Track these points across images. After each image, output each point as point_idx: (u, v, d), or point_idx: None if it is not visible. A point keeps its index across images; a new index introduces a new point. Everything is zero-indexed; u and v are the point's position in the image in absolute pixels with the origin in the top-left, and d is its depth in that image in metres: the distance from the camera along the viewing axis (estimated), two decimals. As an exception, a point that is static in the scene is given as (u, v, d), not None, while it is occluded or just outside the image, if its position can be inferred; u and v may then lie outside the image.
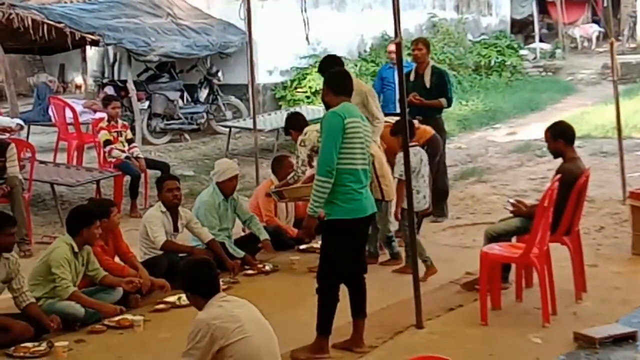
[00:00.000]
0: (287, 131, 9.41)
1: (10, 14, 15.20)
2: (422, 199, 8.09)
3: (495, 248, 6.95)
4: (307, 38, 15.56)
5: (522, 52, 22.99)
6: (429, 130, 9.48)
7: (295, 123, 8.92)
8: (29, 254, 8.88)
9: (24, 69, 24.45)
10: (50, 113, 15.48)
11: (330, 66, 9.16)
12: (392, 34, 6.81)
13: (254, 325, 4.81)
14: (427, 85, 9.96)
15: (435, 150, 9.31)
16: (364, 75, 17.82)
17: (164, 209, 8.18)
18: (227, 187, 8.66)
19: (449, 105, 10.37)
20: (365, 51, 19.52)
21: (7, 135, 12.07)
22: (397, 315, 6.80)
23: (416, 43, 10.23)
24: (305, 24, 14.65)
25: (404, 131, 6.70)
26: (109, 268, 7.43)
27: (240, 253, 8.51)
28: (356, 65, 18.06)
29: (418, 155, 8.05)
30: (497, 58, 21.34)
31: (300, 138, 8.42)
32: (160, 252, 8.03)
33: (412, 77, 9.95)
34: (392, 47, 11.07)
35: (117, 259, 7.79)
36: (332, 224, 5.94)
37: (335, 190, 5.84)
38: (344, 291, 6.08)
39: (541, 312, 6.58)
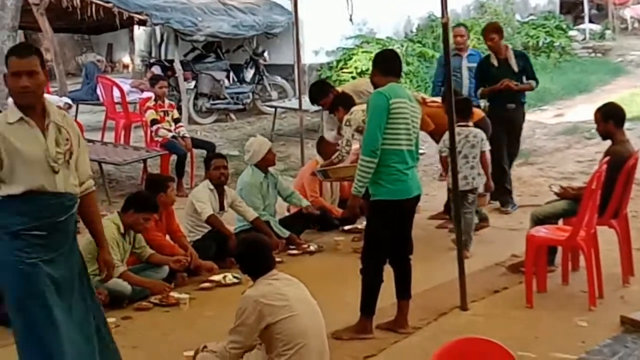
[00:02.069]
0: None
1: (60, -7, 15.33)
2: (462, 179, 8.02)
3: (542, 230, 6.90)
4: (350, 18, 15.50)
5: (571, 32, 22.67)
6: (479, 113, 9.42)
7: (344, 101, 8.89)
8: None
9: (73, 48, 24.70)
10: (98, 92, 15.64)
11: (319, 92, 9.21)
12: (439, 14, 6.75)
13: (302, 304, 4.83)
14: (515, 69, 9.54)
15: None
16: (410, 56, 17.72)
17: (211, 187, 8.24)
18: (267, 162, 8.70)
19: (536, 87, 10.04)
20: (411, 31, 19.40)
21: (56, 114, 12.20)
22: (442, 296, 6.78)
23: (486, 33, 9.75)
24: (348, 4, 14.61)
25: (450, 112, 6.68)
26: (159, 244, 7.49)
27: (285, 232, 8.55)
28: (402, 46, 17.95)
29: (462, 135, 8.01)
30: (546, 39, 21.06)
31: (345, 117, 8.42)
32: (206, 231, 8.07)
33: (495, 63, 9.55)
34: (460, 31, 10.76)
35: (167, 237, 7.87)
36: (376, 204, 5.93)
37: (380, 171, 5.82)
38: (389, 272, 6.07)
39: (587, 295, 6.52)
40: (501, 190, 9.46)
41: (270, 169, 8.85)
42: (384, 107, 5.78)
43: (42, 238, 4.20)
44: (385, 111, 5.78)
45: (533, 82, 9.70)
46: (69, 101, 13.67)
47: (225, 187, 8.39)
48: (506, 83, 9.31)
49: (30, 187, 4.15)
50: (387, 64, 6.07)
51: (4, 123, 4.19)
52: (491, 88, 9.45)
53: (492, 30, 9.69)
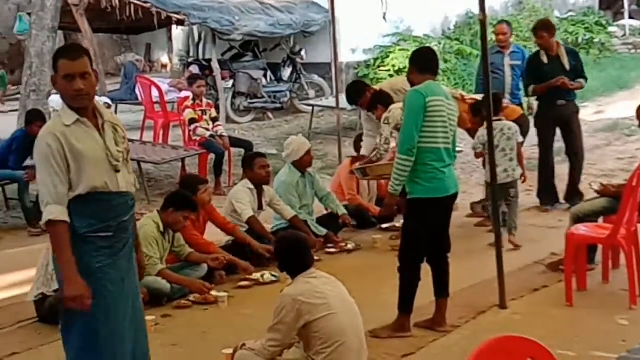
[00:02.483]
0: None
1: (99, -6, 15.47)
2: (502, 172, 8.10)
3: (582, 228, 6.84)
4: (384, 17, 15.48)
5: (611, 29, 22.41)
6: (518, 110, 9.39)
7: (382, 99, 8.88)
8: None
9: (112, 48, 24.92)
10: (137, 92, 15.76)
11: (356, 92, 9.21)
12: (477, 11, 6.73)
13: (340, 303, 4.83)
14: (567, 67, 9.38)
15: (522, 130, 9.18)
16: (448, 53, 17.64)
17: (250, 186, 8.26)
18: (304, 163, 8.70)
19: (585, 84, 9.87)
20: (449, 29, 19.32)
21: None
22: (481, 295, 6.75)
23: (536, 31, 9.59)
24: (383, 2, 14.58)
25: (488, 108, 6.66)
26: (197, 244, 7.53)
27: (323, 231, 8.56)
28: (440, 44, 17.89)
29: (497, 130, 8.02)
30: (585, 35, 20.86)
31: (384, 115, 8.42)
32: (244, 230, 8.10)
33: (545, 60, 9.41)
34: (503, 28, 10.65)
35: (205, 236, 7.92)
36: (414, 202, 5.92)
37: (417, 169, 5.81)
38: (427, 270, 6.06)
39: (628, 293, 6.45)
40: (547, 188, 9.42)
41: (309, 168, 8.85)
42: (421, 105, 5.77)
43: (108, 240, 4.16)
44: (422, 109, 5.76)
45: (583, 81, 9.56)
46: (108, 101, 13.78)
47: (264, 185, 8.41)
48: (562, 80, 9.19)
49: (95, 187, 4.11)
50: (424, 62, 6.05)
51: (62, 125, 4.13)
52: (546, 84, 9.30)
53: (542, 28, 9.55)
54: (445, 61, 17.17)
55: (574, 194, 9.40)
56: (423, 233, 5.91)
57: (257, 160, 8.38)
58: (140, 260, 4.59)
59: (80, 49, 4.32)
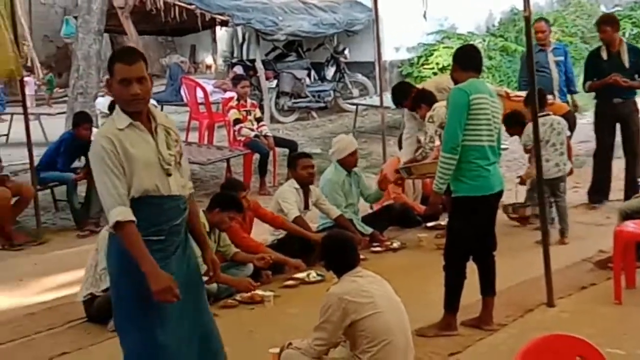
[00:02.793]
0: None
1: (144, -4, 15.62)
2: (554, 167, 8.09)
3: (630, 226, 6.76)
4: (424, 15, 15.40)
5: (658, 23, 22.11)
6: (565, 106, 9.32)
7: (425, 98, 8.87)
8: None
9: (157, 50, 25.16)
10: (182, 93, 15.89)
11: (402, 93, 9.18)
12: (521, 7, 6.67)
13: (386, 301, 4.83)
14: (626, 64, 9.22)
15: (569, 126, 9.11)
16: (492, 50, 17.54)
17: (296, 186, 8.28)
18: (348, 163, 8.69)
19: None
20: (493, 26, 19.19)
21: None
22: (528, 293, 6.71)
23: (600, 25, 9.41)
24: (423, 1, 14.53)
25: (533, 103, 6.62)
26: (244, 244, 7.56)
27: (368, 230, 8.56)
28: (484, 40, 17.78)
29: (547, 125, 8.04)
30: (632, 30, 20.59)
31: (428, 114, 8.41)
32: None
33: (604, 57, 9.29)
34: (542, 26, 10.53)
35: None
36: (458, 201, 5.90)
37: (461, 167, 5.79)
38: (473, 268, 6.03)
39: (678, 291, 6.38)
40: (600, 186, 9.34)
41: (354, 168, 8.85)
42: (464, 103, 5.74)
43: (160, 243, 4.14)
44: (466, 107, 5.74)
45: None
46: (154, 102, 13.88)
47: (310, 185, 8.42)
48: (614, 78, 9.07)
49: (146, 191, 4.10)
50: (467, 59, 6.02)
51: (115, 129, 4.11)
52: (601, 82, 9.21)
53: (605, 22, 9.40)
54: (490, 58, 17.07)
55: (631, 192, 9.28)
56: (468, 231, 5.89)
57: (300, 160, 8.39)
58: (211, 261, 4.52)
59: (136, 53, 4.28)
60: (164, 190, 4.14)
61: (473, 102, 5.74)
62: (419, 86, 9.64)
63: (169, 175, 4.16)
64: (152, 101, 13.18)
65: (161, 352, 4.18)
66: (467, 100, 5.74)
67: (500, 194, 6.07)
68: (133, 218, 4.03)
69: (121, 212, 4.02)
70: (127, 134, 4.10)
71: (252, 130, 11.57)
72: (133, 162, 4.07)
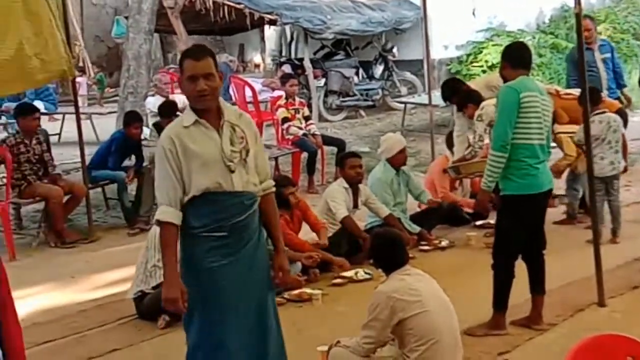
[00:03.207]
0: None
1: (193, -4, 15.75)
2: (608, 165, 8.00)
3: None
4: (473, 12, 15.32)
5: None
6: (616, 104, 9.21)
7: (472, 98, 8.83)
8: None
9: (206, 49, 25.28)
10: (231, 92, 15.97)
11: (451, 89, 9.11)
12: (572, 4, 6.60)
13: (434, 300, 4.81)
14: None
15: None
16: (542, 48, 17.38)
17: (346, 185, 8.27)
18: (397, 161, 8.66)
19: None
20: (543, 23, 19.03)
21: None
22: (578, 292, 6.65)
23: None
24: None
25: (584, 101, 6.55)
26: (292, 243, 7.56)
27: (416, 228, 8.53)
28: (534, 38, 17.64)
29: (604, 122, 7.99)
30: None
31: (477, 113, 8.36)
32: (338, 228, 8.12)
33: None
34: (587, 24, 10.32)
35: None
36: (507, 199, 5.86)
37: (510, 166, 5.75)
38: (523, 267, 5.99)
39: None
40: None
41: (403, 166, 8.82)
42: (515, 101, 5.71)
43: (222, 239, 4.17)
44: (516, 105, 5.70)
45: None
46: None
47: (360, 184, 8.42)
48: None
49: (208, 187, 4.13)
50: (517, 57, 5.97)
51: (180, 127, 4.18)
52: None
53: None
54: (540, 55, 16.93)
55: None
56: (517, 230, 5.85)
57: (349, 160, 8.38)
58: (279, 267, 4.49)
59: (205, 50, 4.31)
60: (226, 186, 4.16)
61: (523, 100, 5.70)
62: (470, 84, 9.57)
63: (232, 171, 4.16)
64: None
65: (220, 349, 4.21)
66: (518, 98, 5.70)
67: (549, 192, 6.02)
68: (173, 221, 4.13)
69: (164, 212, 4.14)
70: (191, 132, 4.15)
71: (300, 128, 11.60)
72: (193, 159, 4.12)
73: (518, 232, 5.86)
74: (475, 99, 8.74)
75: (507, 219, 5.88)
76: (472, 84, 9.66)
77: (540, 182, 5.84)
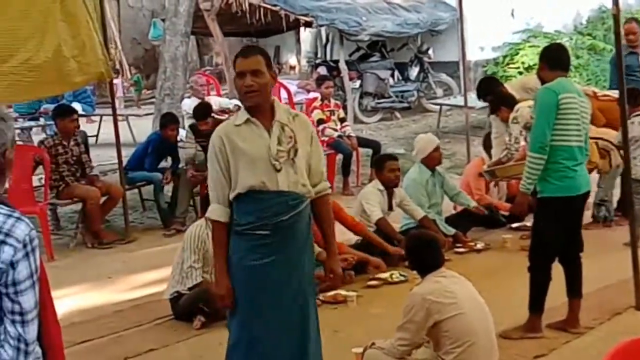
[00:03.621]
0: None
1: (229, -1, 15.82)
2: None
3: None
4: (512, 13, 15.23)
5: None
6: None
7: (505, 101, 8.78)
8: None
9: (242, 51, 25.40)
10: (266, 94, 15.98)
11: (488, 87, 9.03)
12: (610, 5, 6.55)
13: (470, 302, 4.80)
14: None
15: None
16: (580, 49, 17.25)
17: (381, 187, 8.26)
18: (432, 160, 8.64)
19: None
20: (581, 24, 18.88)
21: (226, 116, 12.59)
22: (616, 296, 6.58)
23: None
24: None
25: (622, 103, 6.50)
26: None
27: (451, 230, 8.50)
28: (571, 39, 17.50)
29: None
30: None
31: (512, 115, 8.32)
32: (373, 231, 8.11)
33: None
34: (633, 27, 10.15)
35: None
36: (544, 201, 5.82)
37: (547, 168, 5.71)
38: (559, 270, 5.95)
39: None
40: None
41: (438, 167, 8.79)
42: (553, 103, 5.67)
43: (266, 238, 4.19)
44: (554, 107, 5.66)
45: None
46: (239, 103, 14.03)
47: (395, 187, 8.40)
48: None
49: (253, 185, 4.16)
50: (555, 58, 5.93)
51: (231, 125, 4.26)
52: None
53: None
54: (577, 57, 16.80)
55: None
56: (553, 232, 5.81)
57: (388, 163, 8.35)
58: (330, 270, 4.50)
59: (255, 49, 4.39)
60: (271, 185, 4.17)
61: (562, 102, 5.66)
62: (507, 85, 9.51)
63: (278, 170, 4.17)
64: (237, 102, 13.40)
65: (256, 346, 4.24)
66: (556, 100, 5.66)
67: (586, 194, 5.98)
68: (220, 219, 4.23)
69: (213, 210, 4.26)
70: (241, 130, 4.21)
71: (336, 130, 11.61)
72: (240, 157, 4.17)
73: (555, 235, 5.82)
74: (508, 102, 8.70)
75: (545, 221, 5.84)
76: (508, 86, 9.60)
77: (578, 184, 5.80)
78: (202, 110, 10.18)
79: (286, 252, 4.24)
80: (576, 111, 5.73)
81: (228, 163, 4.19)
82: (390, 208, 8.35)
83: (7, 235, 2.57)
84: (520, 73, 16.73)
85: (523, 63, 16.77)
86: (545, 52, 6.08)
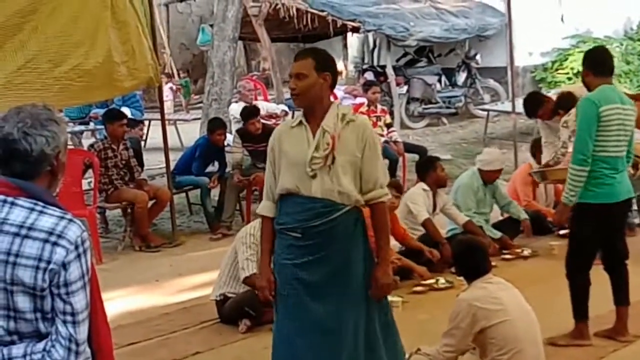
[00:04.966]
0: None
1: (277, 4, 15.90)
2: None
3: None
4: (562, 18, 15.08)
5: None
6: None
7: (564, 104, 8.69)
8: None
9: (289, 57, 25.43)
10: (313, 99, 16.02)
11: (535, 104, 8.90)
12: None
13: (516, 309, 4.78)
14: None
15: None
16: (630, 55, 17.05)
17: (426, 188, 8.25)
18: (488, 177, 8.61)
19: None
20: (631, 29, 18.65)
21: (273, 121, 12.64)
22: (665, 304, 6.49)
23: None
24: (560, 4, 14.26)
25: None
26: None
27: (497, 234, 8.45)
28: (622, 45, 17.31)
29: None
30: None
31: (563, 119, 8.24)
32: (420, 234, 8.09)
33: None
34: None
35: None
36: (582, 207, 5.78)
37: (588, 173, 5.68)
38: (606, 278, 5.89)
39: None
40: None
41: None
42: (594, 114, 5.62)
43: (297, 240, 4.22)
44: (595, 119, 5.61)
45: None
46: (286, 108, 14.11)
47: (439, 189, 8.38)
48: None
49: (288, 188, 4.22)
50: (598, 63, 5.87)
51: (287, 126, 4.40)
52: None
53: None
54: (628, 63, 16.62)
55: None
56: (591, 239, 5.79)
57: (438, 163, 8.45)
58: (377, 280, 4.29)
59: (309, 51, 4.48)
60: (304, 191, 4.20)
61: (603, 114, 5.61)
62: (568, 89, 9.37)
63: (313, 177, 4.18)
64: (284, 107, 13.44)
65: (287, 345, 4.29)
66: (597, 112, 5.61)
67: (626, 202, 5.89)
68: (268, 214, 4.38)
69: (263, 206, 4.42)
70: (292, 132, 4.30)
71: (382, 136, 11.59)
72: (283, 159, 4.27)
73: (591, 241, 5.79)
74: (565, 104, 8.56)
75: (581, 227, 5.82)
76: (572, 88, 9.49)
77: (617, 191, 5.73)
78: (250, 110, 10.26)
79: (321, 256, 4.22)
80: (618, 122, 5.67)
81: (275, 162, 4.31)
82: (435, 209, 8.32)
83: (59, 237, 2.62)
84: (569, 79, 16.57)
85: (572, 69, 16.61)
86: (589, 57, 6.00)
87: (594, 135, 5.62)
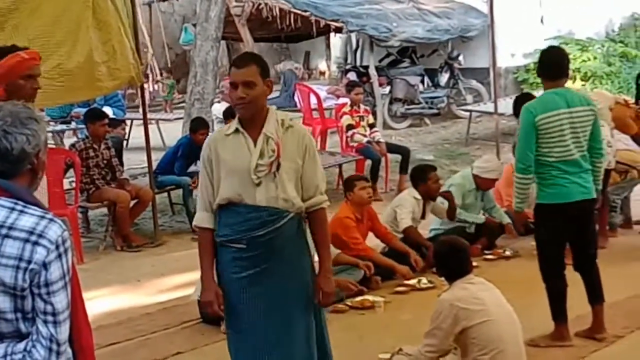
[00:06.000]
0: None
1: (260, 4, 15.89)
2: None
3: None
4: (541, 20, 15.12)
5: None
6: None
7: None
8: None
9: (272, 57, 25.45)
10: (296, 99, 16.05)
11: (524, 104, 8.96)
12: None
13: (498, 309, 4.79)
14: None
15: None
16: (612, 56, 17.13)
17: (417, 197, 8.19)
18: (484, 184, 8.65)
19: None
20: (613, 31, 18.74)
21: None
22: (645, 304, 6.53)
23: None
24: (540, 6, 14.32)
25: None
26: (356, 248, 7.47)
27: (482, 218, 8.59)
28: (603, 46, 17.39)
29: None
30: None
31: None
32: (402, 237, 8.07)
33: None
34: None
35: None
36: (537, 209, 5.90)
37: (538, 176, 5.78)
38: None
39: None
40: None
41: None
42: (530, 123, 5.67)
43: (242, 252, 4.09)
44: (532, 127, 5.65)
45: None
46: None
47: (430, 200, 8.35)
48: None
49: (229, 198, 4.08)
50: (547, 66, 5.88)
51: (221, 134, 4.20)
52: None
53: None
54: (609, 64, 16.70)
55: None
56: (551, 241, 5.84)
57: (432, 174, 8.26)
58: (320, 287, 4.21)
59: (251, 57, 4.24)
60: (248, 199, 4.06)
61: (540, 122, 5.64)
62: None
63: (257, 184, 4.05)
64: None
65: (235, 356, 4.27)
66: (533, 121, 5.64)
67: (585, 202, 5.79)
68: (206, 225, 4.19)
69: (198, 218, 4.24)
70: (228, 140, 4.13)
71: (365, 136, 11.61)
72: (223, 168, 4.10)
73: (553, 243, 5.83)
74: None
75: (541, 228, 5.92)
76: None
77: (569, 192, 5.72)
78: (233, 110, 10.21)
79: (266, 267, 4.11)
80: (559, 127, 5.65)
81: (212, 172, 4.13)
82: (423, 217, 8.31)
83: (40, 236, 2.60)
84: (551, 80, 16.62)
85: (554, 70, 16.67)
86: (540, 61, 6.02)
87: (532, 143, 5.67)
